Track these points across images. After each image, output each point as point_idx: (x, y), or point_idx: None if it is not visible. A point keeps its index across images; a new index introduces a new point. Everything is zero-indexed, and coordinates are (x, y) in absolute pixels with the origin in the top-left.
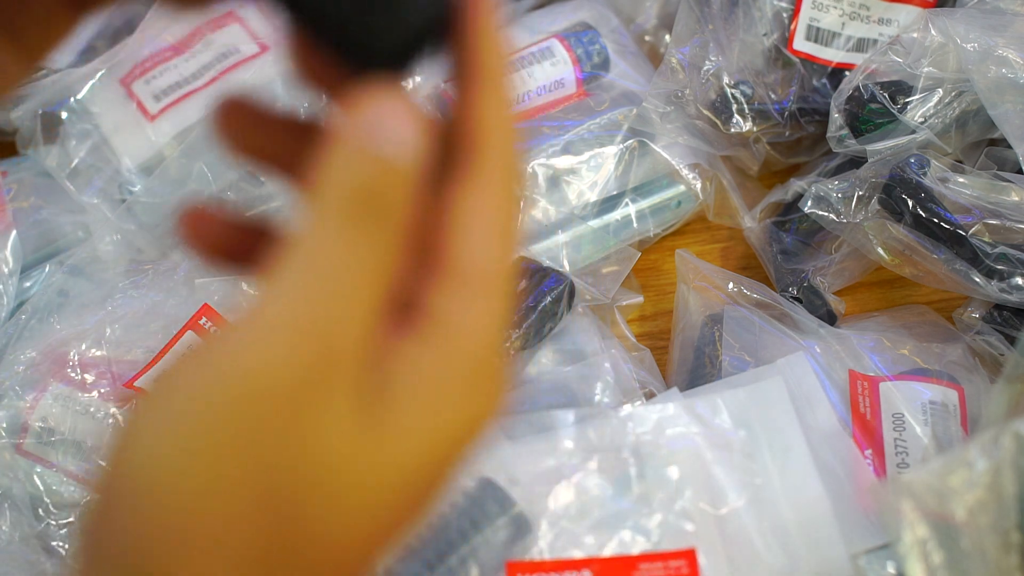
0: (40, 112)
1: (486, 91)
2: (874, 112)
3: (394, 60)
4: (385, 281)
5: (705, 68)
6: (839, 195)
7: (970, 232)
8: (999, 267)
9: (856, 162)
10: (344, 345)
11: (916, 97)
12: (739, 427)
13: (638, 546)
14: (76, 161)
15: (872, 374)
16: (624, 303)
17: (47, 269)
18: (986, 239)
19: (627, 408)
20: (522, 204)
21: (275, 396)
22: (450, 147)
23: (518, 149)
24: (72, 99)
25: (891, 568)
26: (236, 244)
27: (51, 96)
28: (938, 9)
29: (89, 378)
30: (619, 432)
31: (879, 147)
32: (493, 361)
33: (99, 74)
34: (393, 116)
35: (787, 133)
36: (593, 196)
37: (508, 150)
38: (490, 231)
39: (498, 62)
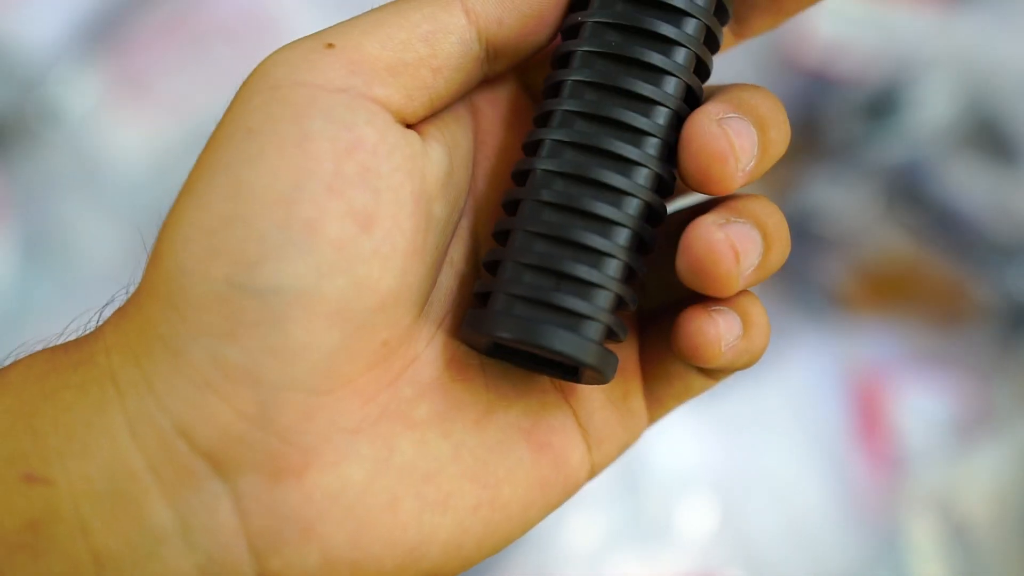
0: (39, 111)
1: None
2: (878, 111)
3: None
4: None
5: None
6: (842, 195)
7: (975, 231)
8: (1004, 266)
9: (859, 162)
10: None
11: (921, 96)
12: (740, 427)
13: (641, 550)
14: (75, 160)
15: (876, 372)
16: None
17: None
18: (991, 238)
19: None
20: None
21: None
22: None
23: None
24: (72, 98)
25: (897, 568)
26: None
27: (50, 95)
28: (945, 8)
29: None
30: None
31: (882, 146)
32: None
33: (99, 74)
34: None
35: None
36: None
37: None
38: None
39: None
